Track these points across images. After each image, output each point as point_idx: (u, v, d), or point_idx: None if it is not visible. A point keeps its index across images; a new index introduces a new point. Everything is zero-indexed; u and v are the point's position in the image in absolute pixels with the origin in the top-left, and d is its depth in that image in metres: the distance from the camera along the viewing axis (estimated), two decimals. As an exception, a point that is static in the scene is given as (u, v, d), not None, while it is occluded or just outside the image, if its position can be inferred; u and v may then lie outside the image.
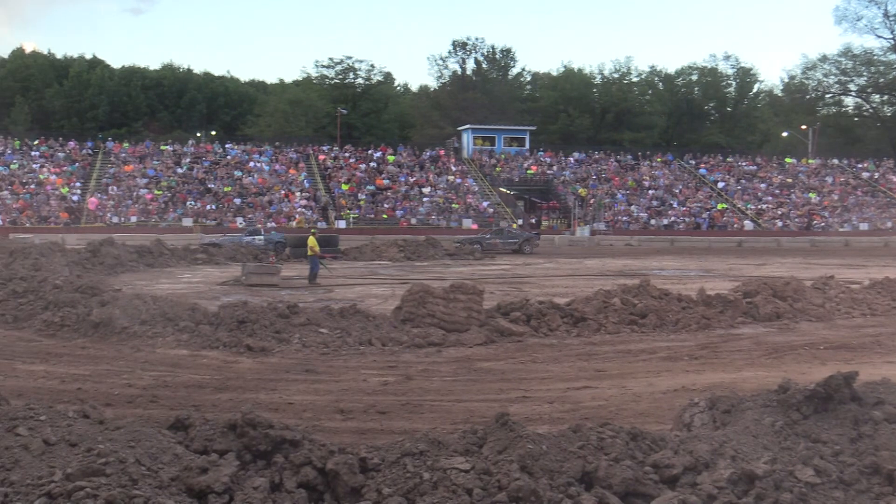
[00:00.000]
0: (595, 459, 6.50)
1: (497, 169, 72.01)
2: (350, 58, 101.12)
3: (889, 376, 7.99)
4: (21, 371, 13.16)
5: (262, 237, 42.77)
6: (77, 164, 65.72)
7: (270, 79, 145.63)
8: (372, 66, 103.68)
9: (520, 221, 64.26)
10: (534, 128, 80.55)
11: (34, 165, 64.56)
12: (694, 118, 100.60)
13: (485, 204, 65.58)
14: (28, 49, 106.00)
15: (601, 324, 17.65)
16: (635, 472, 6.35)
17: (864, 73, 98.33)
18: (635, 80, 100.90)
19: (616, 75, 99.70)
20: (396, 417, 10.57)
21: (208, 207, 60.36)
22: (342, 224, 58.29)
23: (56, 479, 5.61)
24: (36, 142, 69.17)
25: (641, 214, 66.58)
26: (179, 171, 66.27)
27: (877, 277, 24.43)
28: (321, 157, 71.09)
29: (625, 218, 65.85)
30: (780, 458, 6.53)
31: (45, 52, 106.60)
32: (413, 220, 61.21)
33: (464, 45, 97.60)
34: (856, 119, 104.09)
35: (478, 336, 16.08)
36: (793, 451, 6.65)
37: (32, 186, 61.13)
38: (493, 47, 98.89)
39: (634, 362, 14.59)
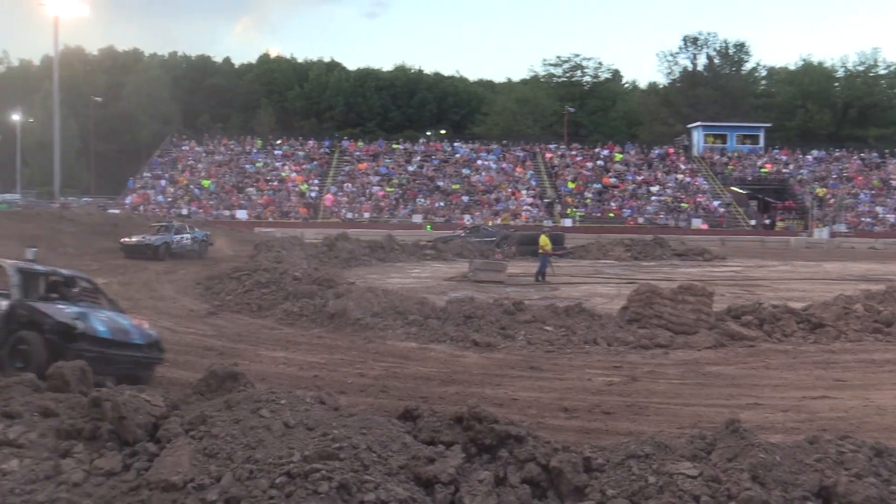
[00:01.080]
0: (834, 474, 6.16)
1: (729, 167, 69.65)
2: (577, 56, 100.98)
3: None
4: (264, 357, 14.00)
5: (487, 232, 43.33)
6: (315, 163, 69.18)
7: (498, 78, 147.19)
8: (600, 63, 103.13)
9: (752, 222, 61.95)
10: (769, 125, 77.19)
11: (276, 164, 68.53)
12: None
13: (716, 203, 63.60)
14: (273, 54, 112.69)
15: (841, 331, 16.68)
16: (880, 492, 5.97)
17: None
18: (883, 72, 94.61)
19: (861, 68, 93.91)
20: (621, 418, 10.44)
21: (437, 205, 61.86)
22: (568, 222, 58.21)
23: (294, 459, 5.91)
24: (278, 141, 73.38)
25: (888, 216, 62.44)
26: (410, 169, 68.30)
27: None
28: (548, 155, 71.22)
29: (868, 219, 62.02)
30: None
31: (288, 56, 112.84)
32: (640, 220, 60.26)
33: (695, 40, 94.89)
34: None
35: (707, 339, 15.62)
36: None
37: (275, 183, 64.88)
38: (725, 42, 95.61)
39: (878, 373, 13.70)
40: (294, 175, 66.32)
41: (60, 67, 54.00)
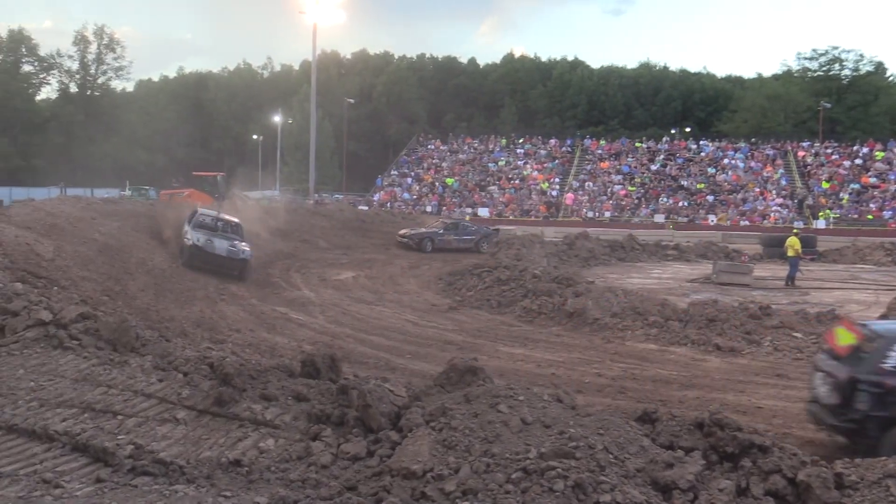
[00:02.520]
0: None
1: None
2: (836, 48, 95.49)
3: None
4: (503, 353, 14.21)
5: None
6: (557, 161, 69.33)
7: (747, 74, 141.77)
8: (861, 55, 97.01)
9: None
10: None
11: (518, 162, 69.26)
12: None
13: None
14: (517, 54, 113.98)
15: None
16: None
17: None
18: None
19: None
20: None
21: (681, 204, 60.41)
22: (821, 224, 55.17)
23: (531, 456, 5.96)
24: (521, 140, 74.14)
25: None
26: (653, 167, 67.09)
27: None
28: (800, 153, 67.83)
29: None
30: None
31: (532, 55, 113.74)
32: (902, 222, 56.27)
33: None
34: None
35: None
36: None
37: (517, 181, 65.59)
38: None
39: None
40: (535, 174, 66.80)
41: (317, 71, 56.94)
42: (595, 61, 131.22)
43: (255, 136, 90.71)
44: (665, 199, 61.21)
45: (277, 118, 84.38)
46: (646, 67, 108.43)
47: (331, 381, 8.29)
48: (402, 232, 34.75)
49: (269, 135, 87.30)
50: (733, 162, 66.89)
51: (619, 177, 65.53)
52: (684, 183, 63.79)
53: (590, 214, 59.03)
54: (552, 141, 73.54)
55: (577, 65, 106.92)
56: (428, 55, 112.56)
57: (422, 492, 5.78)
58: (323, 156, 78.44)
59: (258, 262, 24.49)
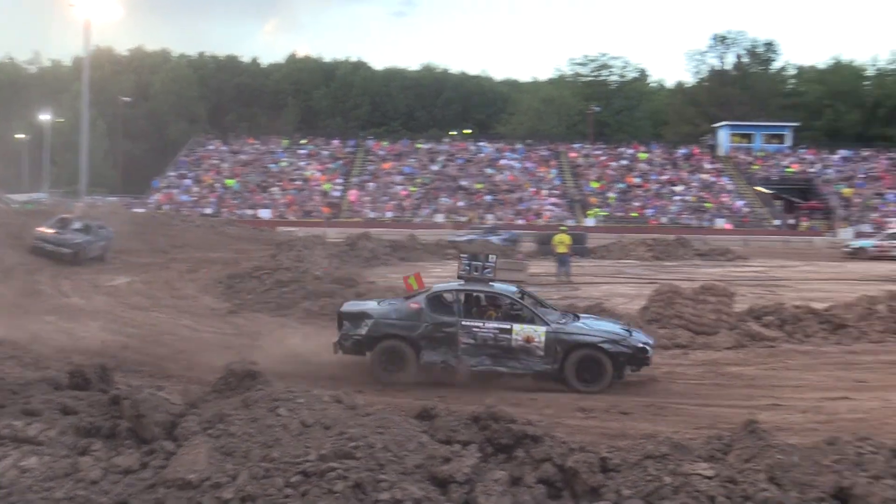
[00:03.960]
0: (852, 476, 6.13)
1: (754, 167, 69.22)
2: (604, 55, 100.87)
3: None
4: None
5: (500, 235, 43.23)
6: (339, 162, 69.34)
7: (524, 77, 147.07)
8: (626, 62, 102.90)
9: (777, 222, 61.50)
10: (796, 124, 76.53)
11: (301, 163, 68.76)
12: None
13: (740, 203, 63.24)
14: (300, 54, 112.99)
15: (863, 332, 16.58)
16: (898, 493, 5.93)
17: None
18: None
19: (892, 66, 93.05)
20: (639, 419, 10.45)
21: (459, 204, 61.89)
22: (591, 222, 58.05)
23: (311, 458, 5.96)
24: (304, 140, 73.60)
25: (914, 215, 61.90)
26: (434, 168, 68.34)
27: None
28: (572, 154, 71.10)
29: (894, 219, 61.42)
30: None
31: (316, 55, 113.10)
32: (663, 220, 60.01)
33: (724, 39, 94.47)
34: None
35: (727, 339, 15.58)
36: None
37: (299, 182, 65.11)
38: (754, 41, 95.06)
39: (902, 374, 13.60)
40: (318, 174, 66.53)
41: (90, 68, 54.23)
42: (379, 63, 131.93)
43: (19, 136, 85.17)
44: (445, 200, 62.48)
45: (46, 116, 79.52)
46: (428, 70, 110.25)
47: (102, 392, 7.94)
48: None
49: (37, 134, 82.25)
50: (510, 162, 69.16)
51: (401, 177, 66.30)
52: (464, 183, 65.34)
53: (372, 215, 59.42)
54: (335, 141, 73.50)
55: (360, 66, 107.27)
56: (209, 53, 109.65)
57: (198, 501, 5.65)
58: (96, 156, 74.79)
59: (24, 270, 23.18)
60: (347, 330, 12.61)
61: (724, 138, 73.51)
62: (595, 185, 65.45)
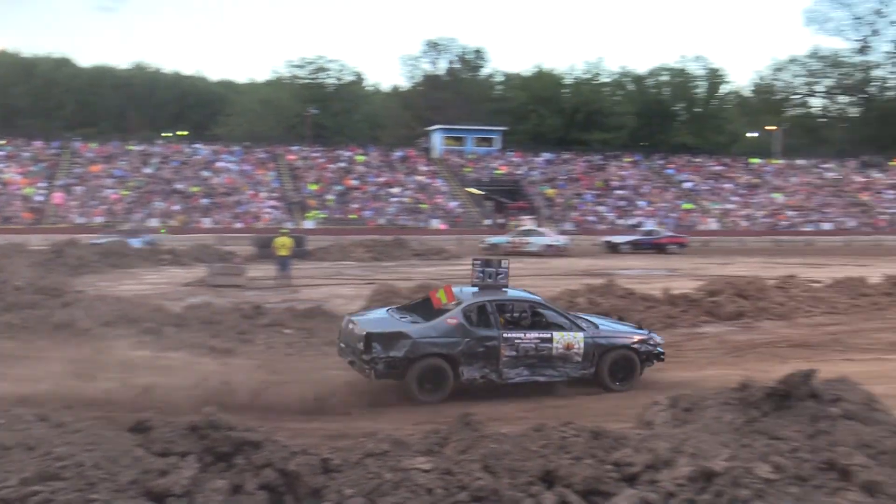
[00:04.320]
0: (557, 458, 6.54)
1: (466, 169, 72.02)
2: (321, 57, 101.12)
3: (847, 374, 8.09)
4: (-21, 375, 12.97)
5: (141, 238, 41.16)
6: (42, 164, 64.90)
7: (241, 78, 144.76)
8: (343, 65, 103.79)
9: (488, 221, 64.28)
10: (505, 128, 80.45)
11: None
12: (663, 119, 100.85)
13: (453, 204, 65.60)
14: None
15: (567, 323, 17.70)
16: (596, 471, 6.39)
17: (831, 75, 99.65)
18: (606, 80, 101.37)
19: (587, 76, 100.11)
20: (361, 418, 10.57)
21: (175, 208, 59.92)
22: (310, 224, 58.05)
23: (11, 483, 5.55)
24: (2, 142, 68.12)
25: (609, 214, 66.87)
26: (147, 171, 65.67)
27: (838, 276, 24.77)
28: (290, 157, 70.78)
29: (592, 218, 66.11)
30: (738, 455, 6.58)
31: (13, 50, 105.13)
32: (381, 221, 61.09)
33: (436, 45, 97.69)
34: (821, 120, 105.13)
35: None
36: (751, 448, 6.71)
37: (-3, 186, 60.42)
38: (465, 47, 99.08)
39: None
40: (18, 178, 61.95)
41: None
42: (85, 60, 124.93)
43: None
44: (160, 203, 60.28)
45: None
46: (139, 69, 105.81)
47: None
48: None
49: None
50: (227, 165, 67.82)
51: (112, 181, 63.18)
52: (179, 186, 63.32)
53: (80, 220, 56.18)
54: (37, 143, 68.54)
55: (63, 62, 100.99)
56: None
57: None
58: None
59: None
60: (379, 353, 11.64)
61: (437, 141, 75.92)
62: (314, 187, 65.53)
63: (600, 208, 67.80)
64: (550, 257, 42.91)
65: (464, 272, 32.45)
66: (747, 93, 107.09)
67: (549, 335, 12.50)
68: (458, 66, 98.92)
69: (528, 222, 55.38)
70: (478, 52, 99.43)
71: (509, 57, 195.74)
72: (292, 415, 10.57)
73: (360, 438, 7.13)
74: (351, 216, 61.75)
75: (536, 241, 45.98)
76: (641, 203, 69.34)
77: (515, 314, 13.35)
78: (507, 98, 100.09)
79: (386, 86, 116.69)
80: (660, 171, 76.56)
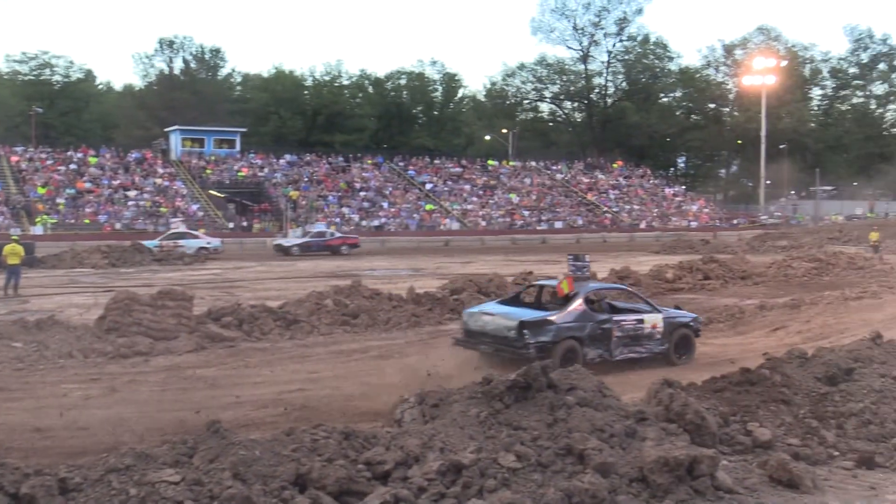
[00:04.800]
0: (309, 461, 6.54)
1: (207, 171, 70.18)
2: (46, 53, 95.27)
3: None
4: None
5: None
6: None
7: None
8: (71, 62, 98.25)
9: (231, 225, 63.07)
10: (244, 129, 79.12)
11: None
12: (403, 121, 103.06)
13: (194, 207, 63.79)
14: None
15: (314, 325, 17.77)
16: (348, 471, 6.44)
17: (557, 81, 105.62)
18: (346, 83, 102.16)
19: (327, 78, 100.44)
20: (101, 433, 10.07)
21: None
22: (38, 230, 54.50)
23: None
24: None
25: (353, 216, 67.36)
26: None
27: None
28: (14, 158, 66.11)
29: (337, 220, 66.36)
30: (485, 446, 6.86)
31: None
32: (118, 225, 58.37)
33: (171, 43, 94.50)
34: (550, 124, 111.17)
35: (188, 343, 15.68)
36: (496, 440, 7.02)
37: None
38: (201, 46, 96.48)
39: (348, 362, 14.82)
40: None
41: None
42: None
43: None
44: None
45: None
46: None
47: None
48: None
49: None
50: (-60, 167, 62.44)
51: None
52: None
53: None
54: None
55: None
56: None
57: None
58: None
59: None
60: (530, 337, 13.26)
61: (176, 143, 73.55)
62: (42, 190, 61.56)
63: (345, 210, 68.20)
64: (204, 261, 42.07)
65: (207, 277, 31.77)
66: (482, 97, 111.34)
67: (641, 317, 14.56)
68: (194, 65, 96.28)
69: (179, 225, 53.69)
70: (215, 51, 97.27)
71: (248, 57, 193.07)
72: (28, 433, 9.93)
73: (101, 455, 6.80)
74: (85, 221, 58.58)
75: (190, 244, 45.15)
76: (384, 204, 70.40)
77: (614, 301, 15.71)
78: (248, 99, 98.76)
79: (119, 84, 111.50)
80: (401, 173, 78.05)
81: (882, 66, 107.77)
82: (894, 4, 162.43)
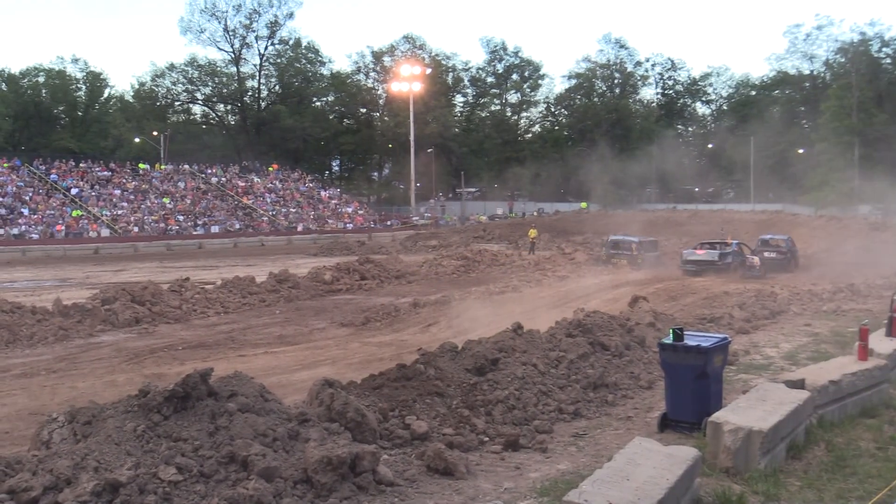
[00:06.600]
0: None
1: None
2: None
3: (242, 369, 8.55)
4: None
5: None
6: None
7: None
8: None
9: None
10: None
11: None
12: (43, 122, 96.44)
13: None
14: None
15: None
16: (-10, 502, 5.95)
17: (210, 83, 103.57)
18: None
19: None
20: None
21: None
22: None
23: None
24: None
25: None
26: None
27: (228, 277, 26.00)
28: None
29: (-32, 229, 60.78)
30: (143, 461, 6.61)
31: None
32: None
33: None
34: (204, 126, 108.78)
35: None
36: (156, 453, 6.78)
37: None
38: None
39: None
40: None
41: None
42: None
43: None
44: None
45: None
46: None
47: None
48: None
49: None
50: None
51: None
52: None
53: None
54: None
55: None
56: None
57: None
58: None
59: None
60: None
61: None
62: None
63: None
64: None
65: None
66: (130, 98, 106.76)
67: None
68: None
69: None
70: None
71: None
72: None
73: None
74: None
75: None
76: (25, 210, 65.43)
77: None
78: None
79: None
80: (42, 177, 72.90)
81: (515, 76, 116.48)
82: (525, 17, 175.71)
